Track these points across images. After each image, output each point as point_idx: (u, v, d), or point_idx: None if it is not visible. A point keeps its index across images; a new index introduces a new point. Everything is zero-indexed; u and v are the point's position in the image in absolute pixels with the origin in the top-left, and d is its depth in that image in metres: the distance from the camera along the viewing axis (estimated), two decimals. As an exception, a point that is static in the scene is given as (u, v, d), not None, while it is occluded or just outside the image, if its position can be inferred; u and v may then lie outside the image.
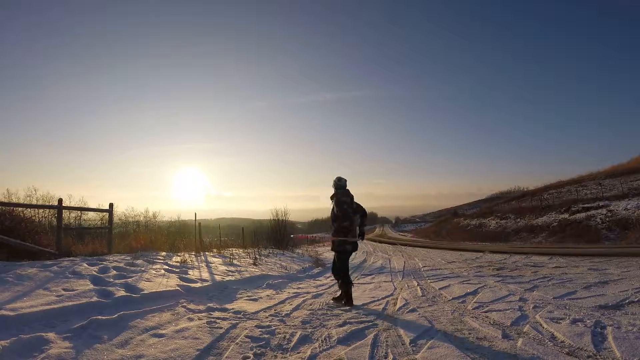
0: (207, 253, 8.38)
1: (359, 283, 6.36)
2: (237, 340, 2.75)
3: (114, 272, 4.65)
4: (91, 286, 3.87)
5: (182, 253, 7.37)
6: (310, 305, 4.27)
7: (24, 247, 5.20)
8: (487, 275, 6.21)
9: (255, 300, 4.54)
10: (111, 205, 7.66)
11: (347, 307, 4.09)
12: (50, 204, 11.42)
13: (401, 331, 2.95)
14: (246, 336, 2.86)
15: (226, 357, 2.43)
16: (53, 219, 10.13)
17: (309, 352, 2.51)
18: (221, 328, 3.07)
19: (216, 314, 3.63)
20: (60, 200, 6.25)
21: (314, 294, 5.10)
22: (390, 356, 2.39)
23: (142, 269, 5.17)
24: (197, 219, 12.42)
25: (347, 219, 4.31)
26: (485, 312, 3.50)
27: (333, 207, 4.41)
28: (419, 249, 17.92)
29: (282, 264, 9.11)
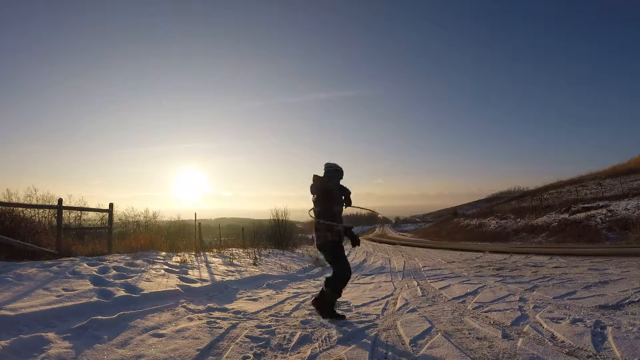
0: (207, 253, 8.38)
1: (358, 283, 6.36)
2: (237, 340, 2.75)
3: (114, 272, 4.65)
4: (91, 286, 3.87)
5: (182, 253, 7.37)
6: (311, 305, 4.27)
7: (24, 247, 5.21)
8: (487, 275, 6.20)
9: (255, 300, 4.54)
10: (111, 205, 7.67)
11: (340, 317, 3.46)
12: (50, 204, 11.42)
13: (401, 331, 2.95)
14: (246, 336, 2.86)
15: (226, 357, 2.43)
16: (53, 219, 10.13)
17: (309, 352, 2.51)
18: (221, 328, 3.07)
19: (216, 314, 3.63)
20: (60, 200, 6.25)
21: (314, 294, 5.10)
22: (391, 356, 2.39)
23: (142, 269, 5.17)
24: (197, 219, 12.44)
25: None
26: (485, 312, 3.50)
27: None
28: (419, 249, 17.91)
29: (282, 264, 9.11)
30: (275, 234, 15.52)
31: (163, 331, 2.90)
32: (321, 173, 3.68)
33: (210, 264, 6.86)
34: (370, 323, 3.28)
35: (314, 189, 3.57)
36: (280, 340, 2.80)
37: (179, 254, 7.22)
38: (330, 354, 2.47)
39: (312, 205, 3.65)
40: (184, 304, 3.86)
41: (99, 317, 2.96)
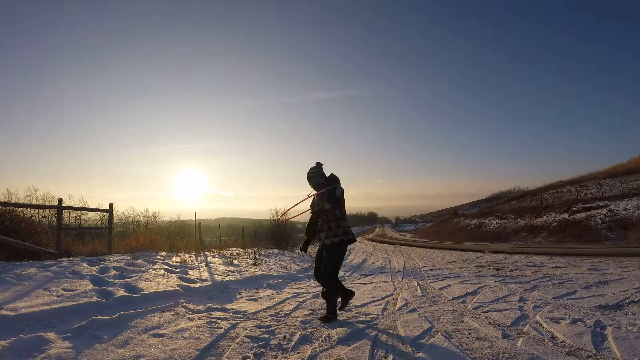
0: (207, 253, 8.38)
1: (358, 283, 6.36)
2: (237, 340, 2.75)
3: (114, 272, 4.65)
4: (91, 286, 3.87)
5: (182, 253, 7.37)
6: (310, 305, 4.27)
7: (24, 247, 5.21)
8: (487, 275, 6.20)
9: (255, 300, 4.54)
10: (111, 205, 7.66)
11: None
12: (50, 204, 11.43)
13: (401, 331, 2.95)
14: (246, 336, 2.86)
15: (226, 357, 2.43)
16: (53, 219, 10.14)
17: (309, 352, 2.51)
18: (221, 328, 3.07)
19: (216, 314, 3.63)
20: (60, 200, 6.25)
21: (314, 294, 5.10)
22: (390, 356, 2.39)
23: (142, 269, 5.17)
24: (197, 219, 12.45)
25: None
26: (485, 312, 3.50)
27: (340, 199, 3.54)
28: (419, 249, 17.91)
29: (282, 264, 9.11)
30: (275, 234, 15.53)
31: (163, 331, 2.90)
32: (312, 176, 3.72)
33: (210, 264, 6.86)
34: (370, 323, 3.28)
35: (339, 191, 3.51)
36: (280, 340, 2.80)
37: (179, 254, 7.22)
38: (330, 354, 2.47)
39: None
40: (184, 304, 3.86)
41: (99, 317, 2.96)
